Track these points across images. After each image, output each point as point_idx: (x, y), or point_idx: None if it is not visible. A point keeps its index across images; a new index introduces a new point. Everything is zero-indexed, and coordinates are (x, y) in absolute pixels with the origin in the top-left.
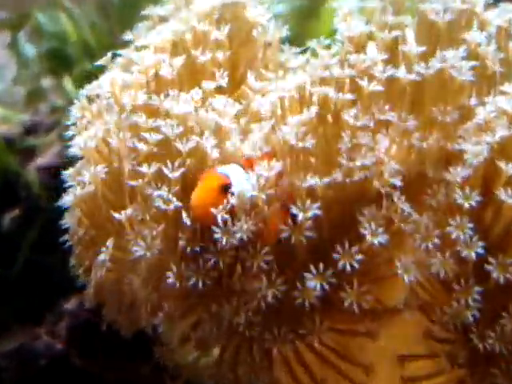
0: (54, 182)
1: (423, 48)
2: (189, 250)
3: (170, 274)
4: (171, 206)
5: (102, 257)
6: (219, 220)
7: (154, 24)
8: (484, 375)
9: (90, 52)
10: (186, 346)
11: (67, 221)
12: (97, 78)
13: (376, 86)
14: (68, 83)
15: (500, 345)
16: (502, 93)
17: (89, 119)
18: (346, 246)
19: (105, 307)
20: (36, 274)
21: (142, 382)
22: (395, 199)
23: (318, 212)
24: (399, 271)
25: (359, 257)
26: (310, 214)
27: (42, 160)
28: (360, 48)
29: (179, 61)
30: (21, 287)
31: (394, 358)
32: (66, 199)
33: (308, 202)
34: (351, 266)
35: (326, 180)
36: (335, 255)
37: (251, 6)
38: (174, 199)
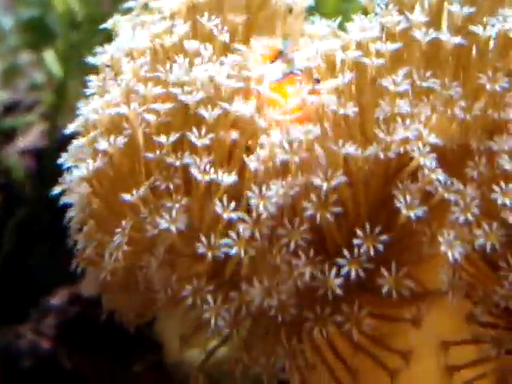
0: (38, 166)
1: (472, 9)
2: (225, 216)
3: (199, 244)
4: (207, 178)
5: (117, 238)
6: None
7: None
8: None
9: (75, 23)
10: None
11: (72, 199)
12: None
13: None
14: (49, 58)
15: None
16: None
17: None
18: (368, 227)
19: (107, 297)
20: (18, 268)
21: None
22: (430, 170)
23: (343, 179)
24: (443, 248)
25: (384, 237)
26: (334, 182)
27: (23, 142)
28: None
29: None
30: (1, 282)
31: (433, 344)
32: (75, 174)
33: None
34: (375, 249)
35: (368, 152)
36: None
37: None
38: (212, 170)
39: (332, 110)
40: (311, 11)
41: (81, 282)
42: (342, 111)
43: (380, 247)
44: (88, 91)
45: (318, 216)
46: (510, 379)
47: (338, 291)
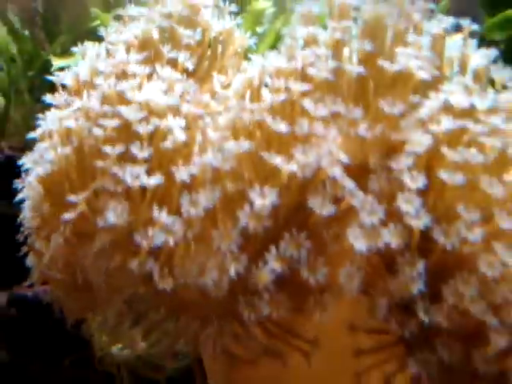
0: None
1: (369, 47)
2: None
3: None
4: (138, 182)
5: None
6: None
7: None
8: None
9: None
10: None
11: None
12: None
13: (325, 74)
14: None
15: (443, 318)
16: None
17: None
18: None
19: (54, 288)
20: None
21: (66, 375)
22: (339, 178)
23: (276, 200)
24: (350, 239)
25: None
26: (267, 201)
27: None
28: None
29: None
30: None
31: (341, 331)
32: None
33: (267, 188)
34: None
35: (290, 168)
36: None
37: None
38: (144, 177)
39: (267, 125)
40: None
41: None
42: (275, 127)
43: (302, 250)
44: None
45: (251, 226)
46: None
47: (263, 285)
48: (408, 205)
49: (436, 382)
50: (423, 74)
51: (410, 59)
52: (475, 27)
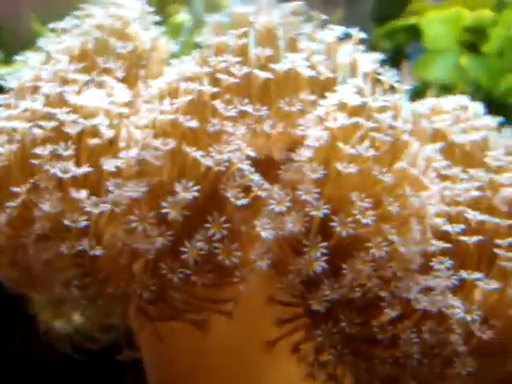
0: None
1: (270, 52)
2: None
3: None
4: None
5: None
6: None
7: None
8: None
9: None
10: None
11: None
12: None
13: (233, 79)
14: None
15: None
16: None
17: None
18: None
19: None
20: None
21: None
22: (247, 172)
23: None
24: (258, 228)
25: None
26: (189, 195)
27: None
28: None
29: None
30: None
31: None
32: None
33: (190, 183)
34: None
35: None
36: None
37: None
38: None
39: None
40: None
41: None
42: (189, 124)
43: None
44: None
45: (172, 214)
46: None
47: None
48: (307, 195)
49: (338, 349)
50: (309, 73)
51: (297, 61)
52: (363, 35)
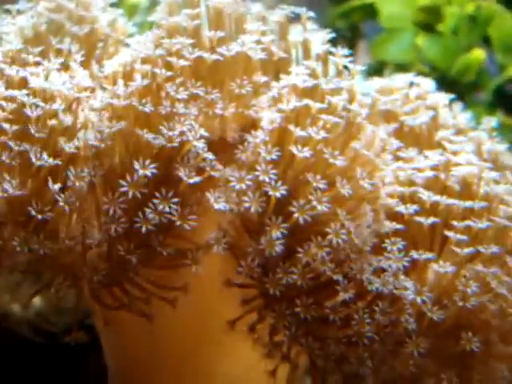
0: None
1: (222, 33)
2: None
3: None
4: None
5: None
6: None
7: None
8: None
9: None
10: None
11: None
12: None
13: (185, 62)
14: None
15: (299, 276)
16: (289, 73)
17: None
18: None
19: None
20: None
21: None
22: (201, 152)
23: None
24: (210, 201)
25: (176, 200)
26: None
27: None
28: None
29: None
30: None
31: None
32: None
33: (147, 161)
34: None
35: (157, 141)
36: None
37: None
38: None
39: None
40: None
41: None
42: (142, 108)
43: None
44: None
45: (131, 193)
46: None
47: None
48: (265, 175)
49: (292, 330)
50: (259, 55)
51: (247, 43)
52: (311, 14)
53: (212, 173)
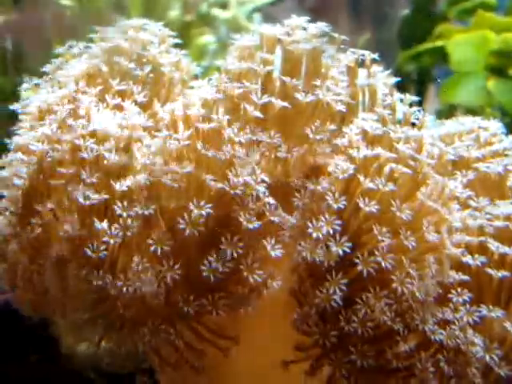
0: None
1: (298, 81)
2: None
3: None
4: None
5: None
6: None
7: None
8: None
9: None
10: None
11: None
12: None
13: (255, 112)
14: None
15: (359, 327)
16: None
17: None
18: (229, 237)
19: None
20: None
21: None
22: (262, 196)
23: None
24: (268, 248)
25: (241, 244)
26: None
27: None
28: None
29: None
30: None
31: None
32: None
33: (203, 201)
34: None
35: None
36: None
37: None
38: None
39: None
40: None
41: None
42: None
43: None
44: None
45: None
46: None
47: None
48: (328, 227)
49: (351, 380)
50: (339, 107)
51: (325, 92)
52: (375, 57)
53: (271, 218)
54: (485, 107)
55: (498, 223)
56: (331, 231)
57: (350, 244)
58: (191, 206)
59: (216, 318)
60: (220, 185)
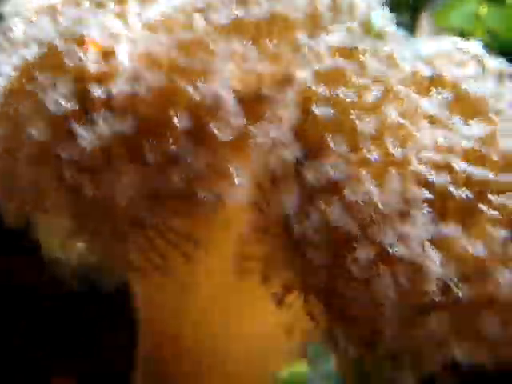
0: None
1: None
2: None
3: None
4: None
5: None
6: None
7: None
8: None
9: None
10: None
11: None
12: None
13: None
14: None
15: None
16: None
17: None
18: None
19: None
20: None
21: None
22: (231, 108)
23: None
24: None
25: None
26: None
27: None
28: None
29: None
30: None
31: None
32: None
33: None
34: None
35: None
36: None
37: None
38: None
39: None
40: None
41: None
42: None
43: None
44: None
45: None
46: None
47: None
48: (280, 136)
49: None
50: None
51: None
52: None
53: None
54: (476, 32)
55: (469, 143)
56: (283, 139)
57: (302, 151)
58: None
59: (183, 225)
60: (196, 95)
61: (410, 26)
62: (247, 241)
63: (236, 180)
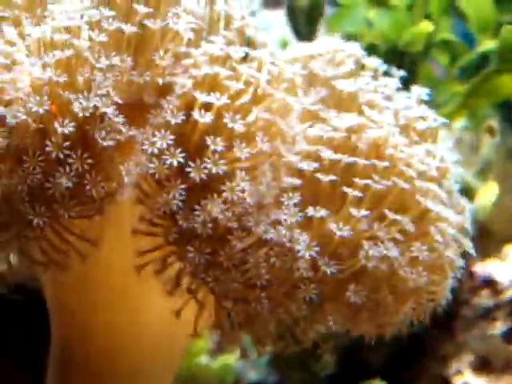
0: None
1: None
2: None
3: None
4: None
5: None
6: None
7: None
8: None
9: None
10: None
11: None
12: None
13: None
14: None
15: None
16: (209, 41)
17: None
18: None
19: None
20: None
21: None
22: (112, 117)
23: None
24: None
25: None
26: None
27: None
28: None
29: None
30: None
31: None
32: None
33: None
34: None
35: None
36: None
37: None
38: None
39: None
40: None
41: None
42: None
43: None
44: None
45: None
46: None
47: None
48: (162, 141)
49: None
50: (188, 34)
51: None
52: None
53: (118, 137)
54: (364, 36)
55: (338, 134)
56: (165, 145)
57: (184, 155)
58: (56, 125)
59: (79, 225)
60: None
61: (307, 34)
62: (140, 234)
63: (125, 179)
